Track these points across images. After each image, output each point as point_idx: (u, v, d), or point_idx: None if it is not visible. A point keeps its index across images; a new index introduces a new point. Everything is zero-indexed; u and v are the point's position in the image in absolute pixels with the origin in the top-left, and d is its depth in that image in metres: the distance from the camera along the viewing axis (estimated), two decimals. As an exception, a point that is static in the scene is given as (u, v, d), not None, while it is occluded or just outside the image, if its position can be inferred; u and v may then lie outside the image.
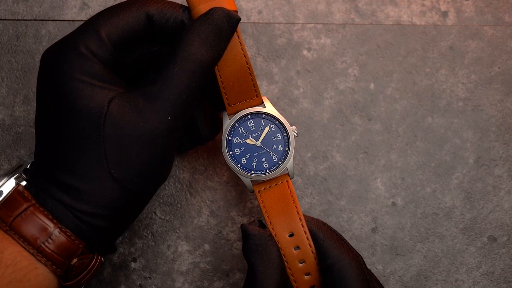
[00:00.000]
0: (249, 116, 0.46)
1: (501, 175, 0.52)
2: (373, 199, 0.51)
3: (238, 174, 0.46)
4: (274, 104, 0.52)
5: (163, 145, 0.40)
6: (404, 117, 0.52)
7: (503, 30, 0.53)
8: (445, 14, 0.53)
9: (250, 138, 0.46)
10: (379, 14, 0.53)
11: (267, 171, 0.46)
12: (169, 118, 0.40)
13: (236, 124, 0.46)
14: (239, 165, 0.46)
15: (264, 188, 0.46)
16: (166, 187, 0.51)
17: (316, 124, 0.52)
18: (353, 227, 0.51)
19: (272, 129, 0.46)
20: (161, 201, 0.51)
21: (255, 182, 0.46)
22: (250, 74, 0.45)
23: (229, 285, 0.51)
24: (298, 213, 0.44)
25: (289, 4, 0.53)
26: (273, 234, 0.44)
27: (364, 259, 0.51)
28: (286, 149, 0.46)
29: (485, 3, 0.53)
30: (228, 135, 0.46)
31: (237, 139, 0.46)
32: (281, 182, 0.46)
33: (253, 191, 0.47)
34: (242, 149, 0.46)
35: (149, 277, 0.51)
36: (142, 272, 0.51)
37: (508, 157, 0.52)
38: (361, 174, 0.51)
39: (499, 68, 0.52)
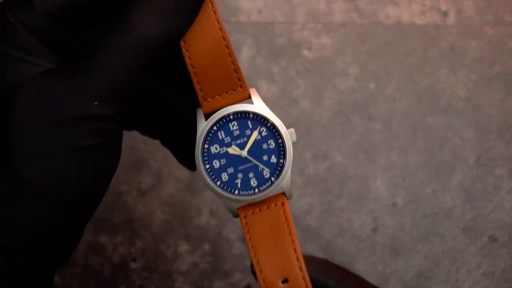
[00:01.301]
0: (231, 117, 0.35)
1: (501, 175, 0.51)
2: (373, 199, 0.51)
3: (216, 196, 0.35)
4: (273, 104, 0.52)
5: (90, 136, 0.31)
6: (404, 117, 0.52)
7: (503, 30, 0.53)
8: (445, 13, 0.53)
9: (233, 146, 0.35)
10: (380, 13, 0.53)
11: (256, 190, 0.35)
12: (96, 103, 0.31)
13: (215, 128, 0.35)
14: (218, 183, 0.35)
15: (252, 213, 0.35)
16: (166, 187, 0.51)
17: (316, 124, 0.52)
18: (353, 227, 0.51)
19: (263, 134, 0.35)
20: (161, 201, 0.51)
21: (240, 205, 0.36)
22: (230, 55, 0.34)
23: (229, 285, 0.51)
24: (295, 250, 0.34)
25: (289, 4, 0.53)
26: (261, 280, 0.34)
27: (364, 260, 0.51)
28: (281, 160, 0.35)
29: (485, 3, 0.53)
30: (204, 143, 0.35)
31: (215, 147, 0.35)
32: (275, 205, 0.35)
33: (237, 216, 0.36)
34: (223, 161, 0.35)
35: (149, 277, 0.51)
36: (142, 272, 0.51)
37: (509, 157, 0.52)
38: (361, 174, 0.51)
39: (499, 68, 0.52)
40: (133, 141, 0.51)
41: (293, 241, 0.35)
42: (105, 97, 0.31)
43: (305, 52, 0.52)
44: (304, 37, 0.52)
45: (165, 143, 0.38)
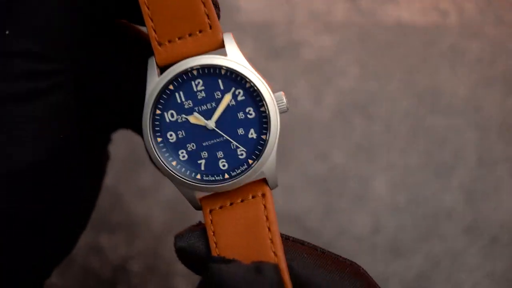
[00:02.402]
0: (195, 72, 0.26)
1: (502, 175, 0.51)
2: (373, 200, 0.51)
3: (171, 180, 0.27)
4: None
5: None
6: (404, 117, 0.52)
7: (504, 30, 0.53)
8: (446, 13, 0.53)
9: (196, 114, 0.26)
10: (380, 13, 0.53)
11: (226, 175, 0.27)
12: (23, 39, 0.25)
13: (171, 87, 0.26)
14: (173, 163, 0.27)
15: (221, 207, 0.27)
16: (165, 187, 0.51)
17: (316, 124, 0.52)
18: (354, 227, 0.51)
19: (239, 99, 0.26)
20: (161, 201, 0.51)
21: (203, 195, 0.27)
22: None
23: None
24: (278, 261, 0.25)
25: (289, 4, 0.53)
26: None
27: (364, 260, 0.51)
28: (264, 136, 0.26)
29: (486, 3, 0.53)
30: (155, 107, 0.26)
31: (171, 114, 0.26)
32: (252, 197, 0.27)
33: (200, 208, 0.27)
34: (181, 133, 0.26)
35: (148, 278, 0.51)
36: (141, 272, 0.51)
37: (509, 157, 0.52)
38: (361, 174, 0.51)
39: (500, 68, 0.52)
40: (132, 140, 0.51)
41: (274, 250, 0.25)
42: (31, 33, 0.25)
43: (305, 52, 0.52)
44: (304, 37, 0.52)
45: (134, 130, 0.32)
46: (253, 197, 0.27)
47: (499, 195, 0.51)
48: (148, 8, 0.26)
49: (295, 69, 0.52)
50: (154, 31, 0.26)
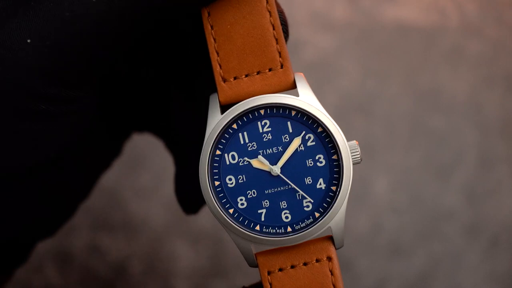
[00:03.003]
0: (262, 112, 0.24)
1: (503, 175, 0.51)
2: (373, 200, 0.51)
3: (226, 230, 0.24)
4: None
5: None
6: (404, 117, 0.52)
7: (504, 30, 0.53)
8: (446, 13, 0.53)
9: (261, 157, 0.24)
10: (380, 13, 0.53)
11: (289, 228, 0.24)
12: (28, 40, 0.23)
13: (235, 126, 0.24)
14: (230, 210, 0.24)
15: (281, 269, 0.24)
16: (166, 187, 0.51)
17: (316, 124, 0.52)
18: (353, 228, 0.51)
19: (309, 144, 0.24)
20: (160, 201, 0.51)
21: (261, 249, 0.24)
22: (274, 30, 0.24)
23: (229, 285, 0.51)
24: None
25: (289, 4, 0.53)
26: None
27: (365, 260, 0.51)
28: (334, 188, 0.24)
29: (486, 3, 0.53)
30: (215, 147, 0.24)
31: (232, 156, 0.24)
32: (317, 261, 0.24)
33: (256, 266, 0.24)
34: (242, 178, 0.24)
35: (148, 278, 0.51)
36: (141, 272, 0.51)
37: (510, 156, 0.52)
38: (361, 174, 0.51)
39: (500, 67, 0.52)
40: (132, 140, 0.51)
41: None
42: (42, 37, 0.23)
43: (305, 52, 0.52)
44: (304, 37, 0.52)
45: (168, 146, 0.32)
46: (317, 260, 0.24)
47: (499, 195, 0.51)
48: (215, 40, 0.24)
49: (295, 69, 0.52)
50: (220, 65, 0.24)
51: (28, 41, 0.23)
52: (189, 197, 0.26)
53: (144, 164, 0.51)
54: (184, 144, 0.27)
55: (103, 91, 0.27)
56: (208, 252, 0.51)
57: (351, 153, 0.25)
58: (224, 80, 0.24)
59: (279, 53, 0.24)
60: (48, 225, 0.31)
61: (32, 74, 0.23)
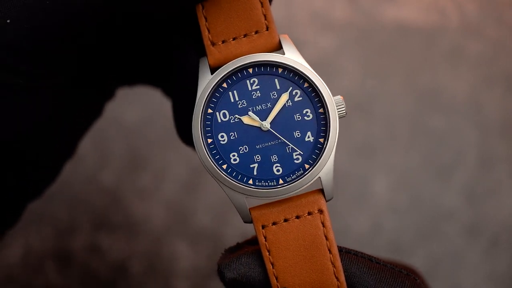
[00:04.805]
0: (250, 70, 0.25)
1: (503, 175, 0.51)
2: (373, 200, 0.51)
3: (220, 185, 0.25)
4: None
5: None
6: (404, 116, 0.52)
7: (504, 30, 0.53)
8: (446, 13, 0.53)
9: (251, 113, 0.25)
10: (380, 13, 0.53)
11: (280, 180, 0.25)
12: (7, 21, 0.23)
13: (225, 85, 0.25)
14: (224, 166, 0.25)
15: (274, 223, 0.25)
16: (165, 187, 0.51)
17: (316, 124, 0.52)
18: (353, 228, 0.51)
19: (296, 99, 0.25)
20: (160, 201, 0.51)
21: (255, 204, 0.25)
22: None
23: (229, 285, 0.51)
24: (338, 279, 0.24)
25: (289, 4, 0.53)
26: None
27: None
28: (322, 139, 0.25)
29: (486, 3, 0.53)
30: (207, 106, 0.25)
31: (223, 114, 0.25)
32: (308, 214, 0.25)
33: (250, 221, 0.25)
34: (233, 134, 0.25)
35: (148, 278, 0.51)
36: (141, 272, 0.51)
37: (510, 156, 0.52)
38: (361, 174, 0.51)
39: (500, 67, 0.52)
40: (133, 140, 0.51)
41: (336, 272, 0.24)
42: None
43: (305, 52, 0.52)
44: (304, 37, 0.52)
45: (166, 92, 0.32)
46: (309, 213, 0.25)
47: (499, 195, 0.51)
48: (203, 6, 0.24)
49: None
50: (208, 30, 0.25)
51: (8, 21, 0.23)
52: (188, 129, 0.26)
53: (144, 164, 0.51)
54: (186, 85, 0.28)
55: (84, 59, 0.27)
56: (208, 252, 0.51)
57: (337, 106, 0.26)
58: (213, 44, 0.25)
59: (265, 16, 0.25)
60: (36, 186, 0.31)
61: (2, 50, 0.24)
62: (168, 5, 0.24)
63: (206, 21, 0.25)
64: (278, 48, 0.25)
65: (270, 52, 0.25)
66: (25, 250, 0.49)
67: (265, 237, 0.25)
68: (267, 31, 0.25)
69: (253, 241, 0.26)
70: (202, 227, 0.51)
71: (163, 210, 0.51)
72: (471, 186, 0.51)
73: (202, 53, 0.25)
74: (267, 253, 0.25)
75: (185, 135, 0.28)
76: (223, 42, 0.25)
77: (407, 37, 0.52)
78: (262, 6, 0.25)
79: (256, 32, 0.25)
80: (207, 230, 0.51)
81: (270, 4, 0.26)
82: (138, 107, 0.51)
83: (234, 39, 0.25)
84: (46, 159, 0.31)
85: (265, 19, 0.25)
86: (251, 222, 0.25)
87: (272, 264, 0.25)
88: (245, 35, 0.25)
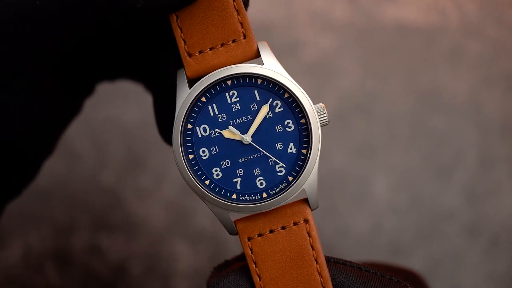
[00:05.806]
0: (229, 83, 0.24)
1: (503, 175, 0.51)
2: (373, 200, 0.51)
3: (204, 201, 0.25)
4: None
5: None
6: (404, 116, 0.52)
7: (504, 30, 0.53)
8: (446, 13, 0.53)
9: (231, 127, 0.24)
10: (380, 13, 0.53)
11: (264, 194, 0.24)
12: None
13: (203, 99, 0.24)
14: (206, 182, 0.24)
15: (260, 235, 0.24)
16: (165, 188, 0.51)
17: (316, 124, 0.52)
18: (353, 228, 0.51)
19: (277, 110, 0.24)
20: (160, 201, 0.51)
21: (239, 216, 0.25)
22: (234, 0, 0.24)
23: (229, 286, 0.51)
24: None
25: (289, 4, 0.53)
26: None
27: (364, 260, 0.51)
28: (304, 151, 0.25)
29: (486, 3, 0.53)
30: (186, 121, 0.24)
31: (203, 129, 0.24)
32: (294, 224, 0.25)
33: (236, 234, 0.25)
34: (215, 149, 0.24)
35: (148, 278, 0.51)
36: (141, 273, 0.51)
37: (510, 156, 0.52)
38: (361, 174, 0.51)
39: (500, 67, 0.52)
40: (132, 141, 0.51)
41: (322, 283, 0.24)
42: None
43: (305, 52, 0.52)
44: (304, 37, 0.52)
45: (148, 87, 0.31)
46: (295, 224, 0.25)
47: (499, 195, 0.51)
48: (177, 17, 0.24)
49: (295, 69, 0.52)
50: (184, 41, 0.24)
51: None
52: (169, 129, 0.25)
53: (144, 164, 0.51)
54: (168, 81, 0.27)
55: (63, 61, 0.27)
56: (208, 252, 0.51)
57: (318, 115, 0.25)
58: (190, 55, 0.24)
59: (241, 24, 0.24)
60: (15, 186, 0.31)
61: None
62: (138, 17, 0.23)
63: (181, 31, 0.24)
64: (257, 56, 0.25)
65: (248, 60, 0.25)
66: (25, 251, 0.49)
67: (251, 249, 0.24)
68: (244, 40, 0.25)
69: (242, 257, 0.26)
70: (202, 228, 0.51)
71: (163, 211, 0.51)
72: (471, 186, 0.51)
73: (180, 64, 0.24)
74: (254, 266, 0.24)
75: (166, 135, 0.27)
76: (199, 52, 0.24)
77: (407, 37, 0.52)
78: (238, 14, 0.24)
79: (234, 41, 0.24)
80: (207, 231, 0.51)
81: (246, 10, 0.25)
82: (138, 108, 0.51)
83: (211, 49, 0.24)
84: (31, 159, 0.31)
85: (242, 27, 0.24)
86: (236, 234, 0.25)
87: (259, 276, 0.24)
88: (222, 45, 0.24)
